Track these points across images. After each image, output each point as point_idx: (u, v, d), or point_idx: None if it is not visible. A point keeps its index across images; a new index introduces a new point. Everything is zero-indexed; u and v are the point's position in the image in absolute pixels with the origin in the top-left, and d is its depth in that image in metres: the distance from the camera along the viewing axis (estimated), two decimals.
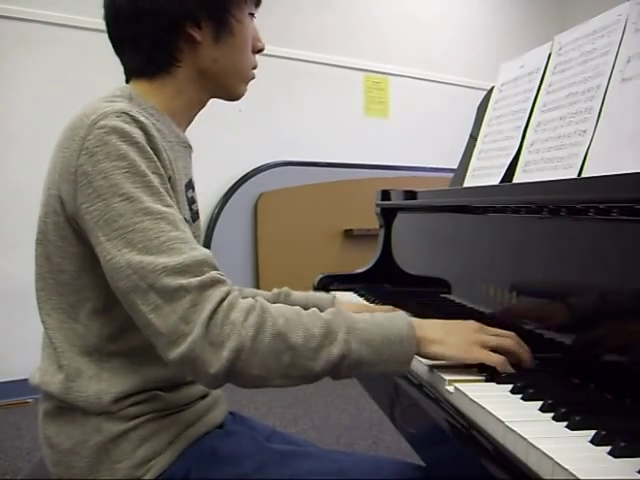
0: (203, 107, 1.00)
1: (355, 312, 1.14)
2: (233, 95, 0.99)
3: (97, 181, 0.76)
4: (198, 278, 0.73)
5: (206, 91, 0.96)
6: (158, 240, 0.74)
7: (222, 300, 0.73)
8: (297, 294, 1.20)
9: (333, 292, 1.29)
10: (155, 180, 0.79)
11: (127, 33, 0.91)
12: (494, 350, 0.80)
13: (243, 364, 0.72)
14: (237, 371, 0.72)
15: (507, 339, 0.82)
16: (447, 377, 0.79)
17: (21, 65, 3.10)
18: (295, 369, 0.74)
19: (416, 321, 0.82)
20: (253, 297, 0.78)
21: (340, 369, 0.76)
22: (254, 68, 1.00)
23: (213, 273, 0.75)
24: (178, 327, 0.72)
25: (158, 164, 0.81)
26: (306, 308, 1.14)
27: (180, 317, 0.72)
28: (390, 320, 0.80)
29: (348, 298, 1.35)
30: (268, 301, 1.15)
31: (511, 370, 0.79)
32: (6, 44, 3.07)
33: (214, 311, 0.72)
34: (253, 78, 1.00)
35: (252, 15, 0.97)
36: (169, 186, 0.83)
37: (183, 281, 0.73)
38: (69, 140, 0.80)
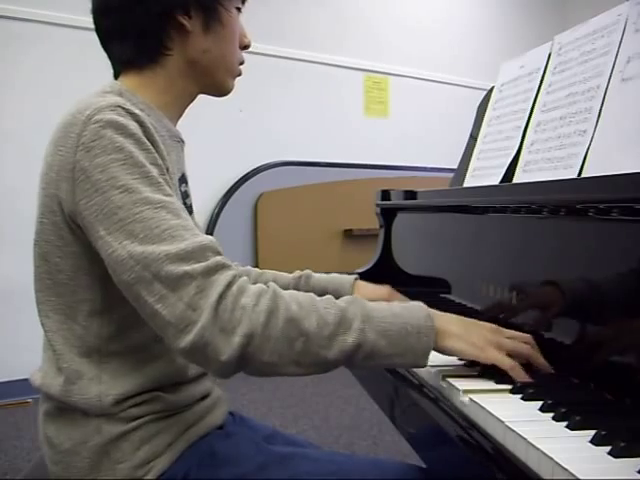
0: (192, 101, 0.99)
1: (374, 299, 1.10)
2: (222, 89, 0.99)
3: (95, 175, 0.76)
4: (202, 264, 0.72)
5: (196, 84, 0.96)
6: (159, 229, 0.73)
7: (229, 284, 0.72)
8: (318, 276, 1.17)
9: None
10: (153, 170, 0.78)
11: (117, 23, 0.91)
12: (509, 355, 0.77)
13: (254, 350, 0.70)
14: (248, 357, 0.70)
15: (522, 344, 0.79)
16: (447, 377, 0.79)
17: (15, 64, 3.09)
18: (307, 356, 0.72)
19: (435, 313, 0.79)
20: (265, 283, 0.76)
21: (354, 359, 0.74)
22: (241, 64, 0.99)
23: (218, 258, 0.74)
24: (185, 314, 0.70)
25: (156, 155, 0.80)
26: (327, 290, 1.12)
27: (187, 304, 0.70)
28: (408, 310, 0.77)
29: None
30: (289, 284, 1.16)
31: (523, 375, 0.75)
32: (0, 43, 3.05)
33: (222, 295, 0.71)
34: (240, 74, 1.00)
35: (239, 10, 0.97)
36: (168, 177, 0.82)
37: (187, 267, 0.71)
38: (64, 138, 0.80)
